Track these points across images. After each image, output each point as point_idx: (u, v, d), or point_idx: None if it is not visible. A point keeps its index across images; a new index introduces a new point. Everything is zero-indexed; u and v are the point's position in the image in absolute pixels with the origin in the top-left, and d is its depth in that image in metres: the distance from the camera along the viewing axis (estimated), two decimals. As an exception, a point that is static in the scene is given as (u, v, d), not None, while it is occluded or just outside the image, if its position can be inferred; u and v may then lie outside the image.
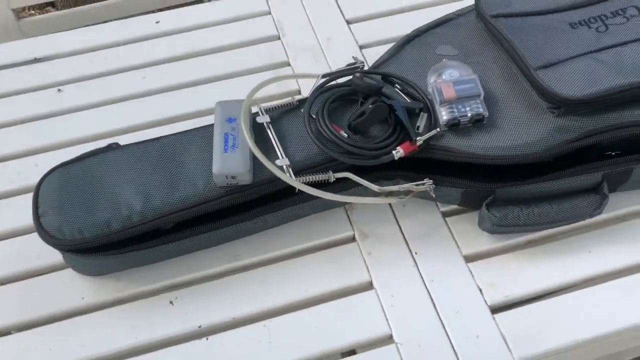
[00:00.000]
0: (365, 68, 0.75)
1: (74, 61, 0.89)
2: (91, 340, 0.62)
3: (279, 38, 0.91)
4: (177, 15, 0.96)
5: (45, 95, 0.85)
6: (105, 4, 1.19)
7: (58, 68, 0.89)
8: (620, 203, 0.69)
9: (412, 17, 0.90)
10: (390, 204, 0.71)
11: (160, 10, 1.01)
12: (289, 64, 0.87)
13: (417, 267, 0.66)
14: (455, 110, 0.64)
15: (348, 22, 0.93)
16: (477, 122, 0.64)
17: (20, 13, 1.12)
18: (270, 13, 0.95)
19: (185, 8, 0.98)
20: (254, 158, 0.63)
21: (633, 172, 0.66)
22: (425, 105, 0.66)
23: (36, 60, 0.90)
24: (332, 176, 0.63)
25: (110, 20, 1.02)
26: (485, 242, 0.68)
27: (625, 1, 0.72)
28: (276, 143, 0.64)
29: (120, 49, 0.91)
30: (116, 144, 0.69)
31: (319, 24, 0.93)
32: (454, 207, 0.70)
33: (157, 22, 0.95)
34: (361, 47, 0.89)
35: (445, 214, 0.70)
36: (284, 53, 0.89)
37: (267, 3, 0.97)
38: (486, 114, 0.64)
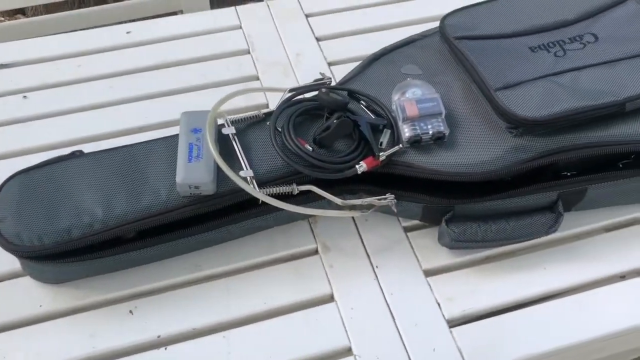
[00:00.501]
0: (333, 84, 0.76)
1: (41, 68, 0.89)
2: (47, 349, 0.61)
3: (249, 52, 0.92)
4: (148, 26, 0.97)
5: (10, 101, 0.84)
6: (76, 12, 1.18)
7: (25, 74, 0.88)
8: (575, 222, 0.71)
9: (380, 36, 0.92)
10: (353, 218, 0.72)
11: (133, 20, 1.02)
12: (257, 78, 0.88)
13: (378, 281, 0.67)
14: (417, 127, 0.66)
15: (317, 39, 0.94)
16: (438, 140, 0.66)
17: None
18: (241, 27, 0.96)
19: (157, 19, 0.99)
20: (218, 169, 0.63)
21: (587, 192, 0.68)
22: (388, 122, 0.68)
23: (2, 66, 0.90)
24: (295, 188, 0.64)
25: (81, 30, 1.02)
26: (444, 257, 0.69)
27: (582, 28, 0.75)
28: (241, 154, 0.65)
29: (89, 58, 0.91)
30: (80, 151, 0.69)
31: (289, 40, 0.94)
32: (416, 222, 0.71)
33: (128, 33, 0.95)
34: (330, 64, 0.90)
35: (406, 229, 0.71)
36: (253, 67, 0.90)
37: (238, 18, 0.98)
38: (447, 132, 0.66)
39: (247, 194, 0.62)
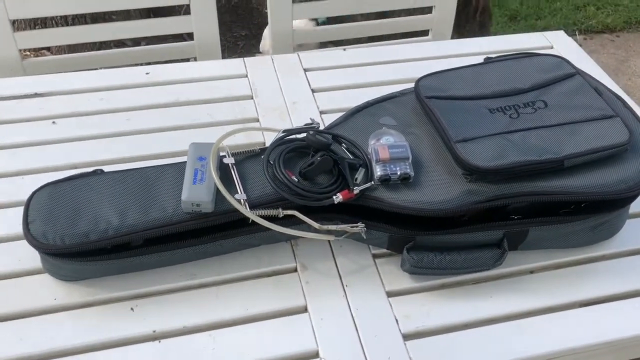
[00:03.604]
0: (321, 128, 0.89)
1: (69, 99, 1.02)
2: (58, 335, 0.72)
3: (252, 98, 1.06)
4: (166, 69, 1.10)
5: (41, 125, 0.97)
6: (100, 53, 1.33)
7: (55, 103, 1.01)
8: (519, 260, 0.82)
9: (366, 92, 1.06)
10: (329, 243, 0.83)
11: (149, 64, 1.15)
12: (258, 120, 1.01)
13: (346, 297, 0.77)
14: (387, 168, 0.78)
15: (313, 91, 1.08)
16: (405, 180, 0.78)
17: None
18: (247, 76, 1.10)
19: (174, 64, 1.13)
20: (217, 191, 0.75)
21: (528, 234, 0.80)
22: (364, 162, 0.80)
23: (36, 95, 1.03)
24: (281, 212, 0.76)
25: (101, 68, 1.15)
26: (406, 281, 0.80)
27: (535, 96, 0.88)
28: (237, 181, 0.77)
29: (111, 92, 1.04)
30: (101, 170, 0.81)
31: (287, 89, 1.07)
32: (383, 250, 0.82)
33: (147, 73, 1.09)
34: (321, 112, 1.03)
35: (375, 256, 0.82)
36: (255, 111, 1.03)
37: (245, 67, 1.12)
38: (412, 174, 0.78)
39: (240, 213, 0.74)
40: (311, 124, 0.86)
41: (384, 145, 0.80)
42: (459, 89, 0.88)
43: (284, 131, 0.83)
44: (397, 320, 0.76)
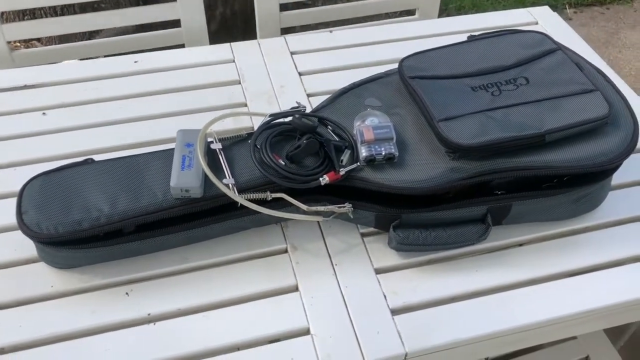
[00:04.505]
0: (308, 111, 0.90)
1: (59, 90, 1.03)
2: (56, 320, 0.74)
3: (240, 83, 1.07)
4: (154, 57, 1.11)
5: (31, 116, 0.98)
6: (90, 42, 1.33)
7: (44, 95, 1.02)
8: (503, 235, 0.84)
9: (353, 73, 1.07)
10: (319, 224, 0.85)
11: (140, 51, 1.16)
12: (246, 105, 1.03)
13: (336, 275, 0.80)
14: (372, 149, 0.80)
15: (300, 74, 1.09)
16: (389, 160, 0.80)
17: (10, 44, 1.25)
18: (234, 61, 1.11)
19: (161, 52, 1.14)
20: (206, 176, 0.76)
21: (512, 208, 0.81)
22: (350, 144, 0.81)
23: (25, 87, 1.04)
24: (269, 195, 0.77)
25: (94, 58, 1.16)
26: (393, 258, 0.82)
27: (518, 72, 0.89)
28: (225, 166, 0.78)
29: (101, 82, 1.05)
30: (91, 159, 0.82)
31: (275, 73, 1.09)
32: (371, 229, 0.84)
33: (135, 62, 1.10)
34: (309, 95, 1.05)
35: (363, 235, 0.84)
36: (242, 95, 1.04)
37: (232, 53, 1.13)
38: (397, 154, 0.80)
39: (229, 198, 0.76)
40: (297, 107, 0.87)
41: (369, 127, 0.82)
42: (442, 68, 0.90)
43: (270, 115, 0.85)
44: (385, 296, 0.78)
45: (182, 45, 1.33)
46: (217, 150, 0.80)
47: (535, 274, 0.80)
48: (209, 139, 0.82)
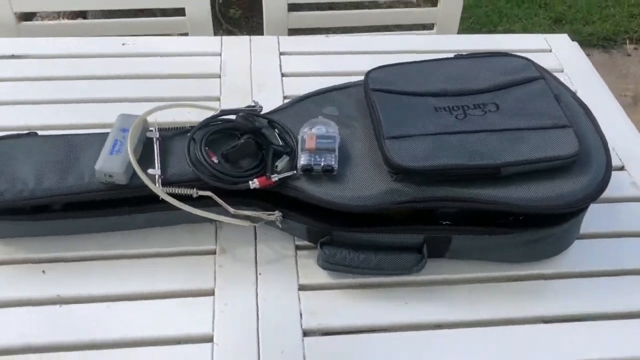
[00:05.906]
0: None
1: (42, 63, 1.04)
2: (-34, 288, 0.74)
3: (219, 77, 1.05)
4: (143, 42, 1.11)
5: (10, 86, 1.00)
6: (101, 21, 1.35)
7: (27, 66, 1.03)
8: (449, 269, 0.78)
9: (337, 80, 1.01)
10: (255, 230, 0.81)
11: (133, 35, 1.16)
12: (218, 99, 1.00)
13: (256, 286, 0.76)
14: (312, 158, 0.75)
15: (283, 75, 1.06)
16: (327, 172, 0.75)
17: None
18: (220, 55, 1.09)
19: (152, 37, 1.13)
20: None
21: (452, 242, 0.75)
22: (291, 150, 0.77)
23: (13, 57, 1.05)
24: (195, 192, 0.75)
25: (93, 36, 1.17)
26: (322, 277, 0.77)
27: (489, 98, 0.83)
28: (157, 156, 0.76)
29: (84, 60, 1.05)
30: (35, 132, 0.82)
31: (257, 71, 1.06)
32: (307, 242, 0.80)
33: (123, 44, 1.09)
34: (285, 97, 1.01)
35: (298, 247, 0.80)
36: (218, 90, 1.02)
37: (221, 46, 1.11)
38: (336, 167, 0.75)
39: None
40: (253, 106, 0.84)
41: (313, 135, 0.78)
42: (409, 84, 0.84)
43: (221, 111, 0.82)
44: (301, 315, 0.73)
45: (186, 34, 1.32)
46: (154, 139, 0.78)
47: (466, 316, 0.74)
48: (151, 128, 0.80)
